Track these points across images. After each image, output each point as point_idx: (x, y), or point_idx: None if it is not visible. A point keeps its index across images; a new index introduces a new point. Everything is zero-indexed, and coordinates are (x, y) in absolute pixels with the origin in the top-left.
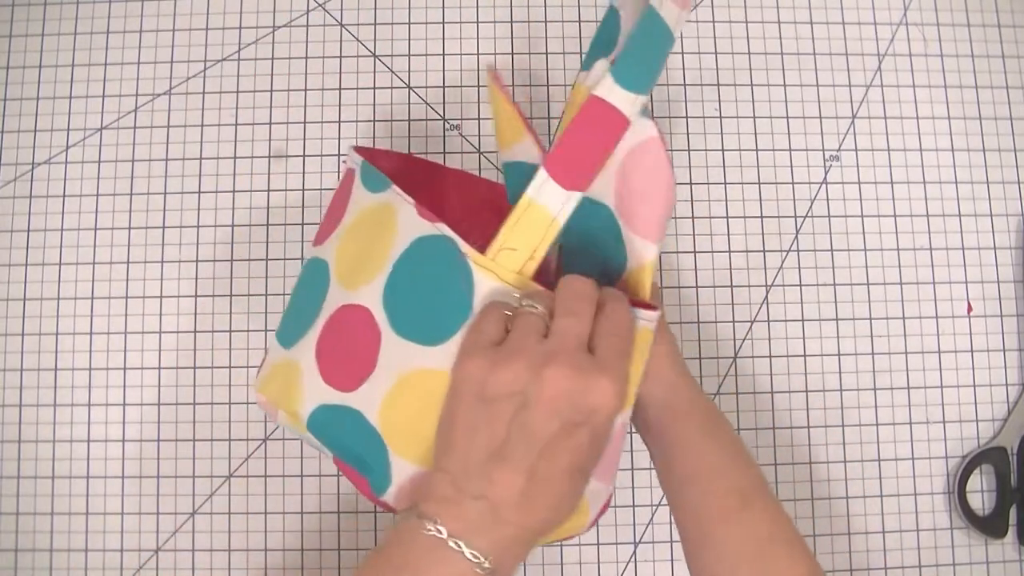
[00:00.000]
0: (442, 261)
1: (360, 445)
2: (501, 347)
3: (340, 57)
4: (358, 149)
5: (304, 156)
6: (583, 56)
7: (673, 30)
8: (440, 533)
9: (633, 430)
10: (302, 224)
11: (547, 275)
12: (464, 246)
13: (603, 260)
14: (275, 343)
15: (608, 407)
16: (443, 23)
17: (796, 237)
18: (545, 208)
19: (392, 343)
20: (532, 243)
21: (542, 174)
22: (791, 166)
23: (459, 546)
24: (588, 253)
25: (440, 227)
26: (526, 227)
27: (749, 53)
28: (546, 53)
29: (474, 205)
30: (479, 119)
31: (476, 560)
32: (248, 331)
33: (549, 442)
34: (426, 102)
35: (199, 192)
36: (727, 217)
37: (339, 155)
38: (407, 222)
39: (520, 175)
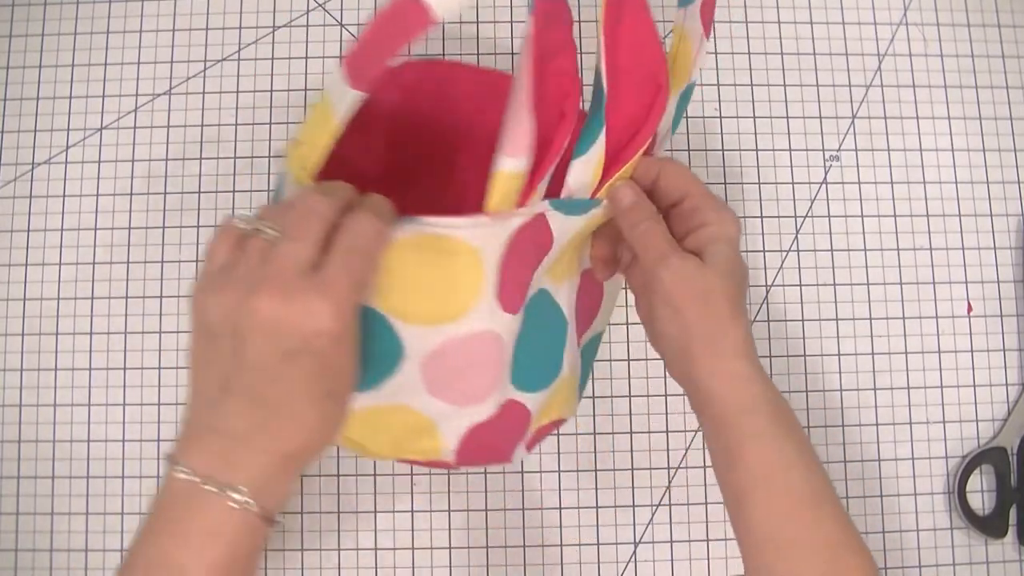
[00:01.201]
0: None
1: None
2: (218, 275)
3: (340, 57)
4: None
5: None
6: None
7: None
8: (191, 475)
9: (623, 428)
10: None
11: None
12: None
13: None
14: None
15: (325, 330)
16: (443, 23)
17: (796, 237)
18: (329, 101)
19: None
20: (314, 137)
21: (340, 70)
22: (791, 166)
23: (211, 486)
24: None
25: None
26: (313, 121)
27: (749, 53)
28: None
29: (486, 95)
30: None
31: (231, 495)
32: None
33: (271, 370)
34: None
35: (199, 192)
36: None
37: None
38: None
39: None
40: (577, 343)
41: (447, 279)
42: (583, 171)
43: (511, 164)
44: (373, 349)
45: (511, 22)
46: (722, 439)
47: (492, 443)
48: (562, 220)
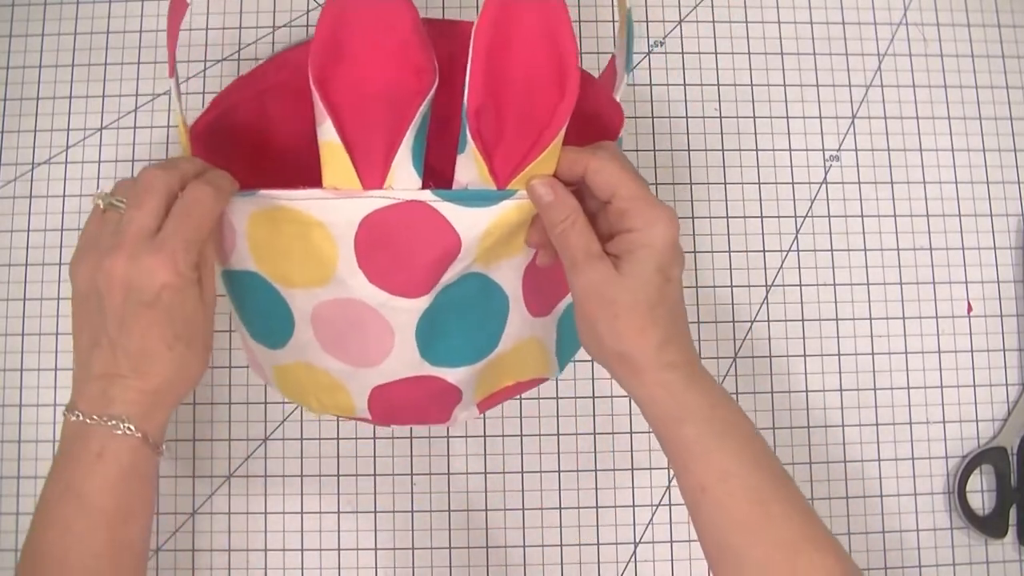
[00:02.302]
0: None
1: None
2: (85, 246)
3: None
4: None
5: None
6: (593, 53)
7: None
8: (79, 416)
9: (637, 428)
10: None
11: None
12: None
13: None
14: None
15: (165, 282)
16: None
17: (796, 237)
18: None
19: None
20: (178, 121)
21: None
22: (791, 166)
23: (96, 419)
24: None
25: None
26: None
27: (749, 53)
28: None
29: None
30: None
31: (112, 423)
32: None
33: (128, 321)
34: None
35: None
36: (727, 217)
37: None
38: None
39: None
40: (548, 311)
41: (306, 247)
42: (465, 164)
43: (322, 134)
44: (270, 310)
45: None
46: (664, 449)
47: (413, 407)
48: (461, 212)
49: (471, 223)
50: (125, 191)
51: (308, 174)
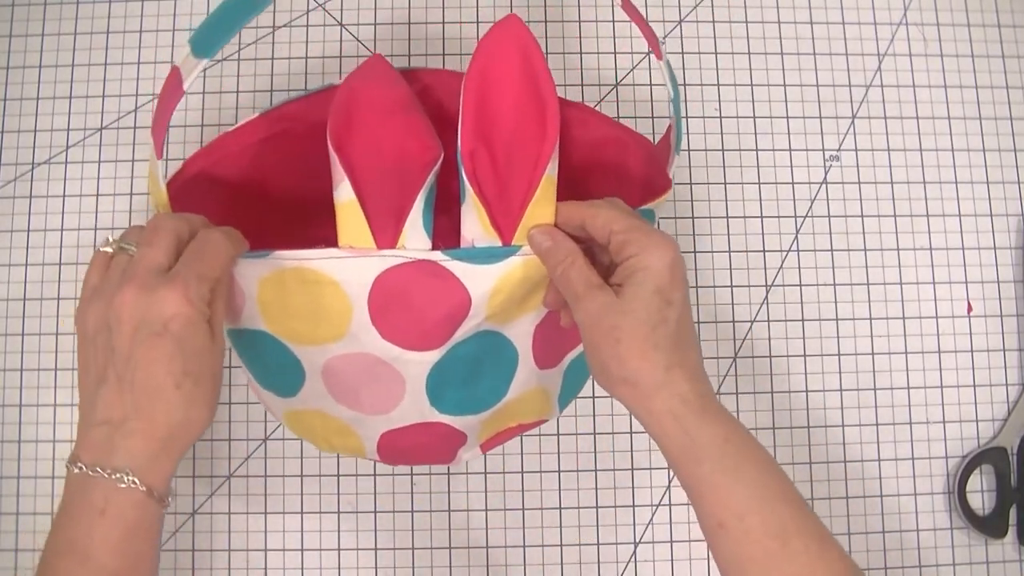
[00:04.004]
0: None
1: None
2: (91, 293)
3: (340, 57)
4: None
5: None
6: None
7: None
8: (81, 468)
9: (635, 427)
10: None
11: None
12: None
13: None
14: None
15: (175, 311)
16: (443, 23)
17: (796, 237)
18: (151, 169)
19: None
20: (156, 190)
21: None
22: (791, 166)
23: (99, 471)
24: None
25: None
26: (150, 181)
27: (749, 53)
28: (546, 53)
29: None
30: None
31: (115, 476)
32: None
33: (135, 355)
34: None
35: None
36: (727, 217)
37: None
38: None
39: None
40: (556, 364)
41: (318, 307)
42: (469, 221)
43: (339, 194)
44: (280, 365)
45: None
46: (680, 482)
47: (420, 448)
48: (470, 269)
49: (480, 280)
50: (134, 236)
51: (301, 226)
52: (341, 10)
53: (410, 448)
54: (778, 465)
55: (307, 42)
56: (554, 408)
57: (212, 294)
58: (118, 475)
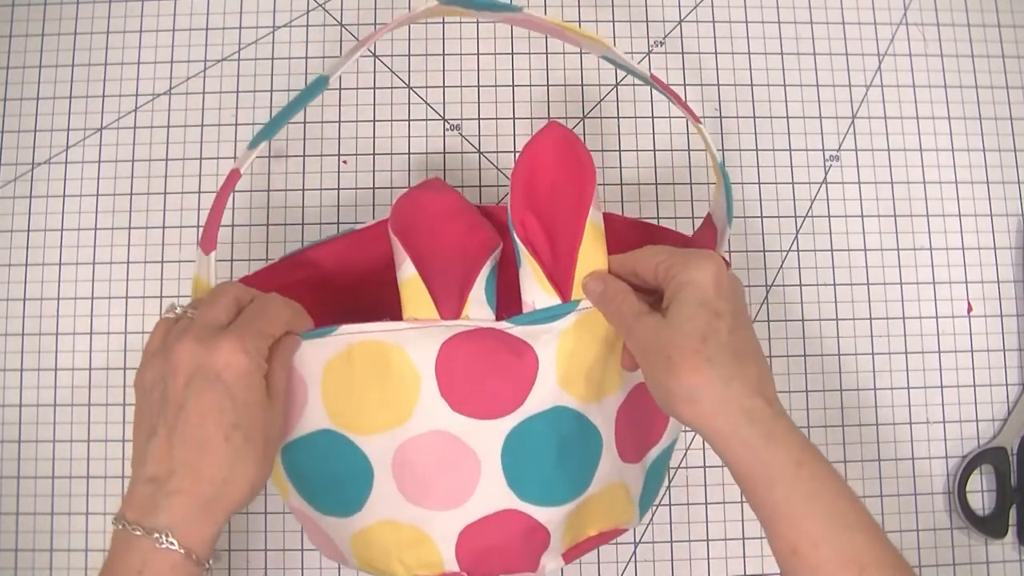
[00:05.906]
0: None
1: None
2: (151, 355)
3: (340, 57)
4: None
5: (304, 156)
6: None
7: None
8: (124, 526)
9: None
10: (302, 224)
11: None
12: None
13: None
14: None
15: (229, 361)
16: (443, 23)
17: (796, 237)
18: (199, 272)
19: None
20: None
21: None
22: (791, 166)
23: (140, 530)
24: None
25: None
26: (195, 284)
27: (749, 53)
28: (546, 53)
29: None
30: (479, 119)
31: (155, 535)
32: None
33: (187, 404)
34: (426, 102)
35: (199, 192)
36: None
37: (339, 155)
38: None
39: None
40: (638, 458)
41: (385, 385)
42: (528, 284)
43: (402, 272)
44: (344, 471)
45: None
46: (751, 506)
47: (501, 550)
48: (533, 330)
49: (544, 338)
50: (197, 302)
51: None
52: (341, 10)
53: (491, 547)
54: (852, 491)
55: (307, 42)
56: (635, 513)
57: (271, 352)
58: (157, 535)
